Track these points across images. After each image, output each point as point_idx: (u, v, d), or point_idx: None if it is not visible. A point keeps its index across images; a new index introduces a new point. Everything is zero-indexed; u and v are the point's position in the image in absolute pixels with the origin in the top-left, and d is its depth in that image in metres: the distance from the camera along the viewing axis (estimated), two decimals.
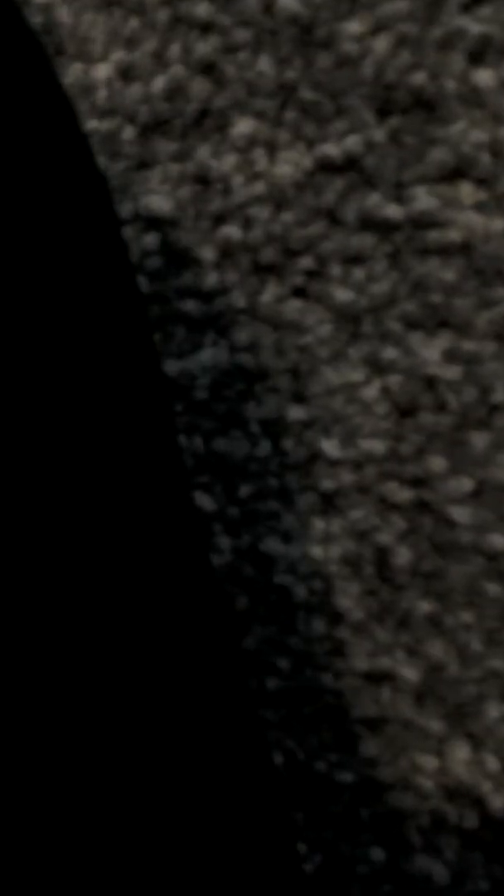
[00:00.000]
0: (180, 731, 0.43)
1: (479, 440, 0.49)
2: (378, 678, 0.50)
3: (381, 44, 0.49)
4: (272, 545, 0.51)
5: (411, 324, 0.49)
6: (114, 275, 0.44)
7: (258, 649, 0.51)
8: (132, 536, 0.43)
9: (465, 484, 0.49)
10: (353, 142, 0.49)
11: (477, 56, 0.48)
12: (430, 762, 0.50)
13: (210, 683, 0.45)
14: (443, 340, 0.49)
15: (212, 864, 0.43)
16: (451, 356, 0.49)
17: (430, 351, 0.49)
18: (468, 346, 0.49)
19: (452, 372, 0.49)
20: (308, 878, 0.49)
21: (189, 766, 0.44)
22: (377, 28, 0.49)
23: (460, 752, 0.49)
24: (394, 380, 0.49)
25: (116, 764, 0.42)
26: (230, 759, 0.45)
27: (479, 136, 0.48)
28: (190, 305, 0.51)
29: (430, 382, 0.49)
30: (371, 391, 0.50)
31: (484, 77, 0.48)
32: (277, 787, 0.47)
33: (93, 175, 0.44)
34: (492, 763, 0.49)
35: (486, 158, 0.48)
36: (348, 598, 0.50)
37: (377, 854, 0.50)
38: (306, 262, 0.50)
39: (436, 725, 0.50)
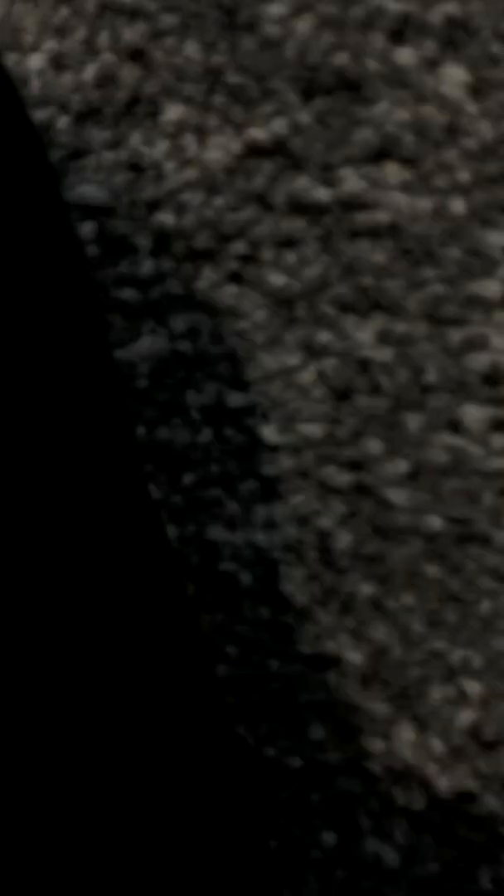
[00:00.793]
0: (134, 719, 0.46)
1: (413, 422, 0.51)
2: (324, 662, 0.52)
3: (304, 25, 0.50)
4: (216, 533, 0.53)
5: (344, 307, 0.51)
6: (60, 264, 0.46)
7: (207, 636, 0.54)
8: (85, 528, 0.45)
9: (402, 466, 0.51)
10: (279, 125, 0.51)
11: (397, 35, 0.49)
12: (376, 745, 0.52)
13: (162, 672, 0.48)
14: (375, 323, 0.51)
15: (167, 852, 0.46)
16: (383, 338, 0.51)
17: (364, 334, 0.51)
18: (400, 327, 0.50)
19: (385, 354, 0.51)
20: (265, 864, 0.52)
21: (143, 753, 0.47)
22: (299, 9, 0.50)
23: (406, 735, 0.52)
24: (329, 363, 0.51)
25: (70, 750, 0.45)
26: (184, 746, 0.48)
27: (403, 115, 0.50)
28: (127, 293, 0.53)
29: (364, 365, 0.51)
30: (307, 375, 0.52)
31: (405, 55, 0.49)
32: (230, 775, 0.50)
33: (41, 164, 0.46)
34: (437, 745, 0.51)
35: (409, 138, 0.50)
36: (292, 584, 0.52)
37: (329, 838, 0.53)
38: (239, 247, 0.52)
39: (381, 708, 0.52)
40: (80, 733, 0.44)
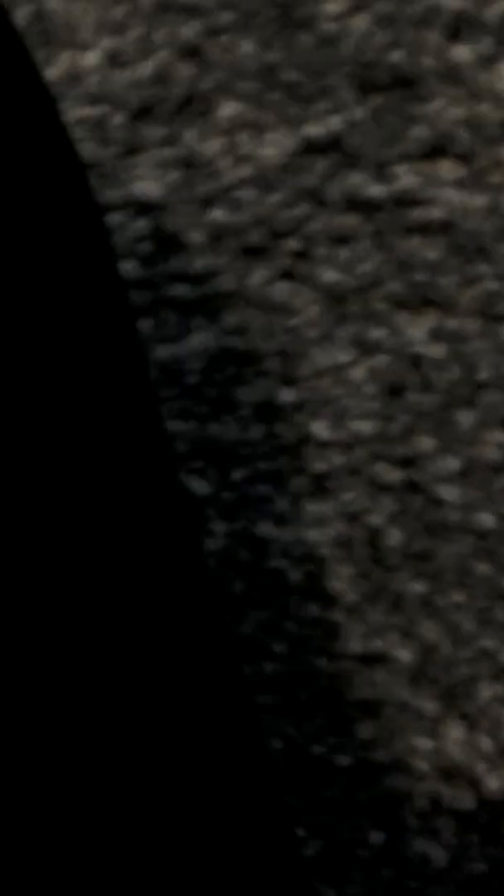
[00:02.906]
0: (176, 718, 0.49)
1: (465, 418, 0.53)
2: (372, 660, 0.55)
3: (360, 23, 0.53)
4: (265, 529, 0.56)
5: (397, 303, 0.54)
6: (97, 263, 0.49)
7: (254, 634, 0.56)
8: (125, 526, 0.48)
9: (453, 463, 0.53)
10: (335, 121, 0.54)
11: (453, 32, 0.52)
12: (425, 743, 0.54)
13: (206, 670, 0.50)
14: (428, 319, 0.53)
15: (210, 853, 0.49)
16: (436, 335, 0.53)
17: (416, 330, 0.53)
18: (452, 324, 0.53)
19: (438, 350, 0.53)
20: (308, 864, 0.54)
21: (185, 755, 0.49)
22: (355, 7, 0.53)
23: (455, 733, 0.54)
24: (381, 360, 0.54)
25: (110, 751, 0.47)
26: (227, 745, 0.50)
27: (458, 112, 0.52)
28: (180, 290, 0.56)
29: (417, 361, 0.54)
30: (359, 372, 0.54)
31: (461, 53, 0.52)
32: (275, 773, 0.52)
33: (74, 164, 0.49)
34: (486, 743, 0.54)
35: (464, 135, 0.52)
36: (341, 581, 0.55)
37: (376, 837, 0.55)
38: (293, 243, 0.55)
39: (430, 706, 0.54)
40: (120, 729, 0.47)
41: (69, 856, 0.45)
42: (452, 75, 0.49)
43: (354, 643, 0.52)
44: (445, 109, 0.49)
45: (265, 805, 0.48)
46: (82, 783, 0.44)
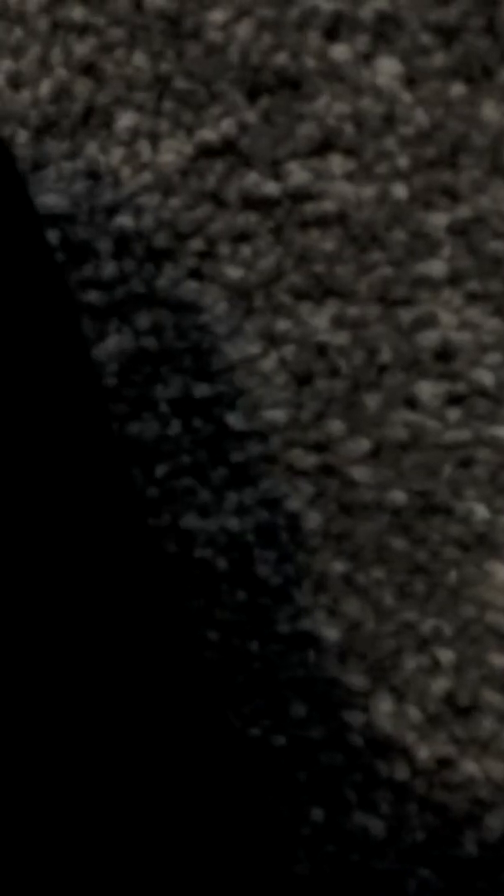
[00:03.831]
0: (123, 710, 0.52)
1: (371, 401, 0.57)
2: (301, 641, 0.58)
3: (244, 29, 0.57)
4: (191, 521, 0.59)
5: (299, 295, 0.57)
6: (37, 272, 0.52)
7: (190, 624, 0.60)
8: (68, 528, 0.51)
9: (364, 444, 0.57)
10: (227, 125, 0.57)
11: (332, 32, 0.56)
12: (357, 718, 0.58)
13: (152, 658, 0.53)
14: (329, 308, 0.57)
15: (161, 837, 0.51)
16: (338, 322, 0.57)
17: (319, 319, 0.57)
18: (353, 311, 0.57)
19: (341, 338, 0.57)
20: (254, 844, 0.58)
21: (129, 741, 0.52)
22: (239, 15, 0.57)
23: (384, 706, 0.57)
24: (288, 350, 0.58)
25: (66, 742, 0.50)
26: (172, 733, 0.53)
27: (342, 108, 0.56)
28: (92, 296, 0.60)
29: (322, 350, 0.57)
30: (268, 363, 0.58)
31: (340, 51, 0.56)
32: (216, 757, 0.55)
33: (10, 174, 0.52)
34: (414, 714, 0.57)
35: (350, 129, 0.56)
36: (266, 566, 0.58)
37: (317, 814, 0.59)
38: (197, 244, 0.58)
39: (359, 681, 0.57)
40: (64, 724, 0.49)
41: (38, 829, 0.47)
42: (334, 73, 0.53)
43: (283, 625, 0.55)
44: (330, 106, 0.52)
45: (210, 789, 0.51)
46: (43, 754, 0.47)
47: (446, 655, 0.53)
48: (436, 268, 0.52)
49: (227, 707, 0.55)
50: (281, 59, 0.52)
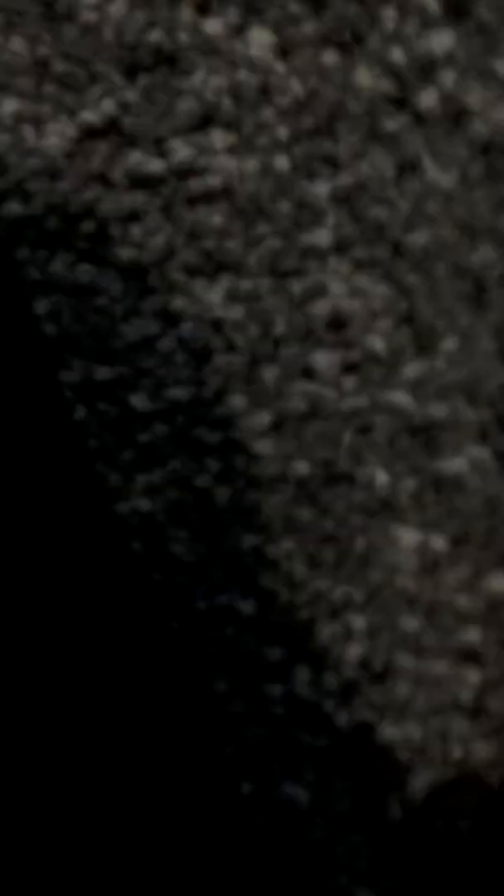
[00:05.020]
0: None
1: (269, 374, 0.59)
2: (219, 616, 0.61)
3: (117, 8, 0.59)
4: (103, 504, 0.62)
5: (192, 271, 0.59)
6: None
7: (113, 605, 0.62)
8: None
9: (265, 417, 0.59)
10: (108, 105, 0.59)
11: (203, 7, 0.58)
12: (276, 689, 0.60)
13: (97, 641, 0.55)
14: (222, 283, 0.59)
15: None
16: (232, 297, 0.59)
17: (213, 295, 0.59)
18: (245, 285, 0.59)
19: (235, 312, 0.59)
20: (188, 822, 0.60)
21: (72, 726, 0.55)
22: None
23: (302, 675, 0.60)
24: (186, 327, 0.60)
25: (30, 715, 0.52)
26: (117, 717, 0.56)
27: (219, 81, 0.58)
28: None
29: (218, 325, 0.59)
30: (168, 342, 0.60)
31: (213, 25, 0.58)
32: (149, 736, 0.58)
33: None
34: (331, 680, 0.59)
35: (228, 103, 0.58)
36: (180, 545, 0.61)
37: (245, 787, 0.61)
38: (88, 226, 0.60)
39: (276, 653, 0.60)
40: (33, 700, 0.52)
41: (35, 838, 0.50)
42: (209, 47, 0.54)
43: (200, 602, 0.58)
44: (207, 80, 0.54)
45: (140, 766, 0.53)
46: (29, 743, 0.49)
47: (358, 622, 0.55)
48: (322, 237, 0.53)
49: (151, 686, 0.58)
50: (155, 35, 0.54)
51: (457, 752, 0.52)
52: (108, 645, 0.53)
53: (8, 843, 0.49)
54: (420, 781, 0.53)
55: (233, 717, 0.55)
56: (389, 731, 0.52)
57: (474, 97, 0.50)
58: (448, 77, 0.50)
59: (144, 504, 0.55)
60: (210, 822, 0.56)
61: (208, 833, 0.55)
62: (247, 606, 0.54)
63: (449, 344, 0.51)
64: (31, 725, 0.51)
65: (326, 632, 0.53)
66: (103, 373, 0.55)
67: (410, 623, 0.52)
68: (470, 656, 0.52)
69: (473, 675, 0.52)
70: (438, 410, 0.51)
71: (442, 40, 0.50)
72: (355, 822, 0.54)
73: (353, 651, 0.53)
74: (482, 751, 0.52)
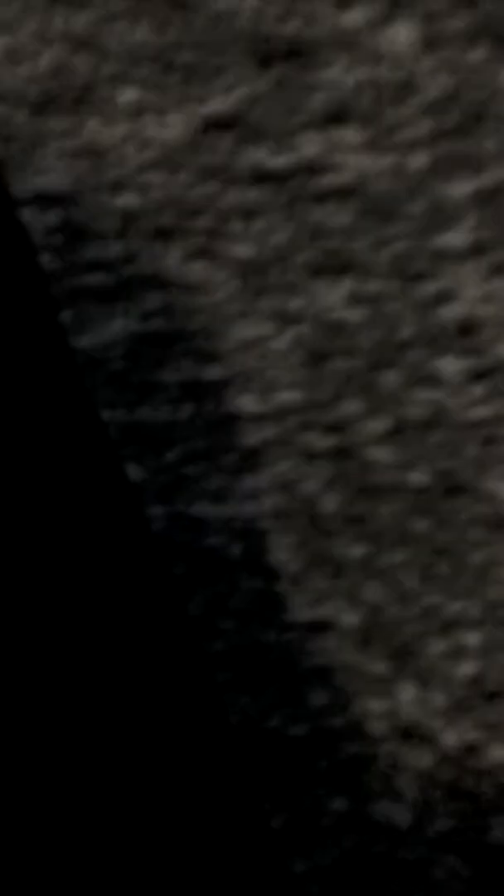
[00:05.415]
0: (133, 703, 0.44)
1: (390, 379, 0.49)
2: (320, 627, 0.51)
3: None
4: (203, 508, 0.52)
5: (313, 271, 0.50)
6: (12, 257, 0.45)
7: (201, 613, 0.52)
8: (67, 517, 0.44)
9: (383, 424, 0.50)
10: (236, 97, 0.50)
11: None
12: (379, 705, 0.50)
13: (159, 653, 0.46)
14: (345, 284, 0.50)
15: (177, 833, 0.44)
16: (355, 299, 0.50)
17: (335, 296, 0.50)
18: (370, 286, 0.49)
19: (358, 314, 0.50)
20: (275, 836, 0.50)
21: (146, 737, 0.45)
22: None
23: (407, 692, 0.50)
24: (303, 329, 0.50)
25: (64, 737, 0.43)
26: (187, 725, 0.46)
27: (356, 76, 0.49)
28: (98, 278, 0.52)
29: (338, 327, 0.50)
30: (282, 342, 0.50)
31: (353, 18, 0.48)
32: (236, 749, 0.48)
33: None
34: (439, 699, 0.50)
35: (365, 98, 0.49)
36: (283, 552, 0.51)
37: (339, 804, 0.51)
38: (205, 221, 0.51)
39: (381, 668, 0.50)
40: (75, 722, 0.42)
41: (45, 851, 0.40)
42: (346, 41, 0.45)
43: (301, 612, 0.48)
44: (343, 75, 0.45)
45: (230, 783, 0.44)
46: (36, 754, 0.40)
47: (473, 639, 0.45)
48: (455, 240, 0.44)
49: (243, 698, 0.48)
50: (291, 27, 0.45)
51: None
52: (202, 652, 0.43)
53: (27, 839, 0.40)
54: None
55: (329, 733, 0.45)
56: (498, 753, 0.43)
57: None
58: None
59: (247, 509, 0.45)
60: (300, 839, 0.46)
61: (299, 851, 0.45)
62: (351, 619, 0.45)
63: None
64: (117, 748, 0.41)
65: (437, 648, 0.43)
66: (213, 372, 0.45)
67: None
68: None
69: None
70: None
71: None
72: (455, 843, 0.44)
73: (465, 669, 0.43)
74: None
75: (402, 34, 0.47)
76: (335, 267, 0.49)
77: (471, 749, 0.49)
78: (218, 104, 0.49)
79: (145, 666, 0.45)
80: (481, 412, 0.48)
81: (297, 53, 0.48)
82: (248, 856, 0.47)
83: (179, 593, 0.52)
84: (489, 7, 0.47)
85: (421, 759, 0.49)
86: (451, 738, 0.49)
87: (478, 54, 0.47)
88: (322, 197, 0.49)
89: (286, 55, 0.48)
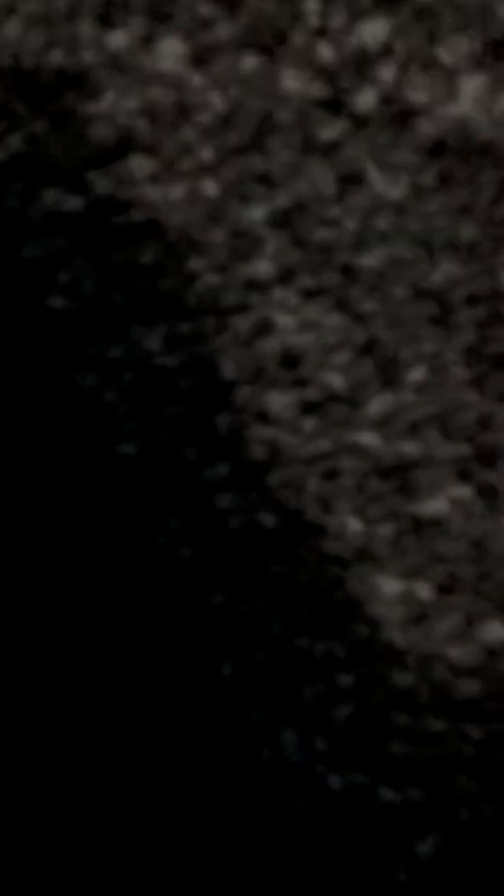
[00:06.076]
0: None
1: (222, 421, 0.46)
2: (202, 681, 0.49)
3: (12, 29, 0.45)
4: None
5: (128, 317, 0.47)
6: None
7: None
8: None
9: (222, 469, 0.47)
10: (16, 141, 0.46)
11: (104, 18, 0.44)
12: (262, 754, 0.49)
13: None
14: (161, 328, 0.46)
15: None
16: (171, 343, 0.46)
17: (152, 341, 0.47)
18: (185, 328, 0.46)
19: (178, 358, 0.47)
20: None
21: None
22: (5, 11, 0.46)
23: (288, 738, 0.48)
24: (128, 378, 0.47)
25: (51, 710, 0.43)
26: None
27: (132, 102, 0.45)
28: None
29: (162, 373, 0.47)
30: (110, 394, 0.48)
31: (118, 39, 0.44)
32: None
33: None
34: (320, 743, 0.48)
35: (144, 125, 0.45)
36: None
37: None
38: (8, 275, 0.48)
39: (260, 716, 0.48)
40: (65, 703, 0.43)
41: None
42: (116, 64, 0.41)
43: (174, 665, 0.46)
44: (119, 102, 0.41)
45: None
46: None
47: (345, 679, 0.43)
48: (262, 267, 0.41)
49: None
50: (56, 57, 0.41)
51: (463, 814, 0.40)
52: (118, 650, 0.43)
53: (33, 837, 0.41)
54: (426, 846, 0.41)
55: (227, 784, 0.44)
56: (388, 794, 0.41)
57: (418, 93, 0.37)
58: (386, 73, 0.37)
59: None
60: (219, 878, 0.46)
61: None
62: (225, 668, 0.43)
63: (416, 374, 0.39)
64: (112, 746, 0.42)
65: (311, 691, 0.41)
66: None
67: (402, 678, 0.40)
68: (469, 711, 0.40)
69: (474, 731, 0.40)
70: (410, 448, 0.39)
71: (375, 31, 0.36)
72: (359, 890, 0.43)
73: (342, 711, 0.41)
74: (489, 809, 0.41)
75: (169, 51, 0.43)
76: (148, 310, 0.45)
77: (358, 791, 0.47)
78: (1, 151, 0.46)
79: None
80: (317, 446, 0.44)
81: (67, 85, 0.44)
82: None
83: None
84: (253, 11, 0.42)
85: (312, 804, 0.48)
86: (337, 781, 0.47)
87: (250, 62, 0.42)
88: (122, 236, 0.45)
89: (56, 87, 0.45)
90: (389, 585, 0.44)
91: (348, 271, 0.42)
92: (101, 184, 0.44)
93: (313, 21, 0.40)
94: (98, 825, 0.44)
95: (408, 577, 0.44)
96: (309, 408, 0.43)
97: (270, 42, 0.41)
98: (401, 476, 0.43)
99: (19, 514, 0.44)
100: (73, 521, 0.45)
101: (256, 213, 0.42)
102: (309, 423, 0.43)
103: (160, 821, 0.45)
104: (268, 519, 0.45)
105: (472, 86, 0.40)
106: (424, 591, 0.44)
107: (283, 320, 0.43)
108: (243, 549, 0.45)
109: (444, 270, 0.42)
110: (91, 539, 0.46)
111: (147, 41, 0.42)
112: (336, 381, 0.43)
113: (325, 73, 0.40)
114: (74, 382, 0.46)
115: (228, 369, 0.44)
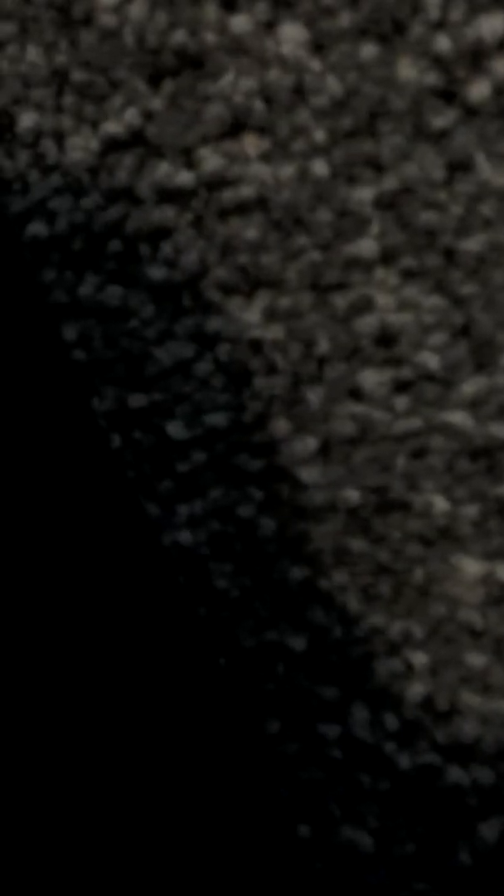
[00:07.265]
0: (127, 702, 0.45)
1: (314, 396, 0.48)
2: (268, 653, 0.50)
3: (137, 10, 0.48)
4: (141, 536, 0.51)
5: (227, 290, 0.49)
6: None
7: (149, 644, 0.52)
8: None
9: (311, 443, 0.48)
10: (132, 115, 0.49)
11: (229, 3, 0.47)
12: (332, 730, 0.50)
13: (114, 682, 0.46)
14: (260, 301, 0.48)
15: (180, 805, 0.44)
16: (270, 315, 0.48)
17: (251, 314, 0.48)
18: (284, 302, 0.48)
19: (275, 331, 0.48)
20: (242, 864, 0.50)
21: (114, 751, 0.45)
22: None
23: (360, 715, 0.49)
24: (223, 349, 0.49)
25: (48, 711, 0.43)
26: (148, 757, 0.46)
27: (249, 83, 0.47)
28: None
29: (257, 346, 0.49)
30: (204, 365, 0.49)
31: (240, 23, 0.47)
32: (201, 776, 0.48)
33: None
34: (391, 721, 0.49)
35: (260, 106, 0.47)
36: (223, 579, 0.50)
37: (303, 831, 0.51)
38: (115, 245, 0.50)
39: (331, 692, 0.49)
40: (63, 707, 0.43)
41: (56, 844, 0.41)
42: (237, 47, 0.44)
43: (247, 638, 0.47)
44: (237, 83, 0.43)
45: (191, 807, 0.44)
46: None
47: (419, 658, 0.44)
48: (366, 247, 0.43)
49: (202, 726, 0.48)
50: (179, 37, 0.43)
51: None
52: (153, 684, 0.43)
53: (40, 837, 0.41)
54: (490, 828, 0.42)
55: (286, 759, 0.45)
56: (455, 774, 0.42)
57: None
58: (501, 66, 0.39)
59: (185, 537, 0.44)
60: (267, 865, 0.45)
61: (265, 876, 0.44)
62: (297, 643, 0.44)
63: None
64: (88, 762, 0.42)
65: (384, 670, 0.42)
66: (137, 400, 0.44)
67: (476, 659, 0.41)
68: None
69: None
70: (501, 431, 0.40)
71: (493, 25, 0.38)
72: (421, 868, 0.43)
73: (415, 690, 0.42)
74: None
75: (290, 36, 0.45)
76: (248, 284, 0.47)
77: (428, 770, 0.48)
78: (115, 124, 0.48)
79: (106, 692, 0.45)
80: (407, 424, 0.46)
81: (187, 64, 0.47)
82: (219, 878, 0.47)
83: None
84: (374, 1, 0.45)
85: (378, 783, 0.48)
86: (405, 761, 0.48)
87: (368, 51, 0.45)
88: (228, 212, 0.47)
89: (177, 68, 0.47)
90: (470, 566, 0.45)
91: (450, 254, 0.44)
92: (212, 161, 0.46)
93: (433, 14, 0.42)
94: (128, 812, 0.44)
95: (490, 559, 0.45)
96: (402, 386, 0.45)
97: (390, 32, 0.43)
98: (490, 458, 0.45)
99: (87, 478, 0.46)
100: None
101: (364, 194, 0.44)
102: (402, 402, 0.45)
103: (215, 788, 0.46)
104: (353, 495, 0.46)
105: None
106: None
107: (383, 299, 0.44)
108: (325, 524, 0.47)
109: None
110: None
111: (269, 26, 0.44)
112: (431, 360, 0.44)
113: (440, 64, 0.43)
114: (164, 354, 0.48)
115: (324, 345, 0.45)
